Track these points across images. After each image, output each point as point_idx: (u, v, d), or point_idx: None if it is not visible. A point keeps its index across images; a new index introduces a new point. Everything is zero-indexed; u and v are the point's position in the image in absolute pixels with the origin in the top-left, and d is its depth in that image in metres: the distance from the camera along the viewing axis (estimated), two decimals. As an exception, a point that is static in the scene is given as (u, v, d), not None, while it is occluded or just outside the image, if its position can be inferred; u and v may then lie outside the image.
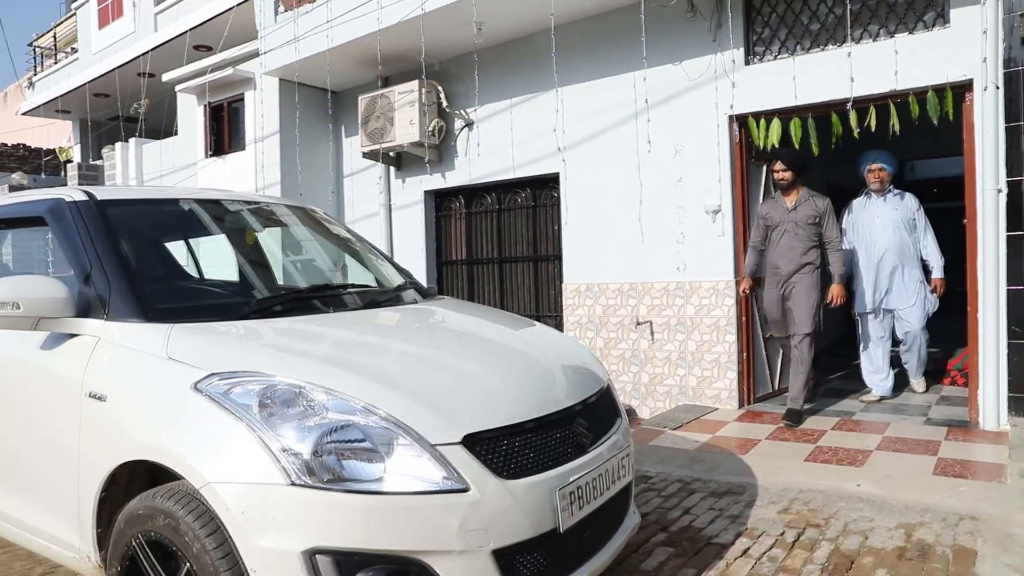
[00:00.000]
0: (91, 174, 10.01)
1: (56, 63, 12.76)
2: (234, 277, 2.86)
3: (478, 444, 1.93)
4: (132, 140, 9.39)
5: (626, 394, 5.83)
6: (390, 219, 7.64)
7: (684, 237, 5.48)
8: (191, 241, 3.08)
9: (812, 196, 4.79)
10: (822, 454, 4.10)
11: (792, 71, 4.82)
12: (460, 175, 6.98)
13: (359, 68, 7.04)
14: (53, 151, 14.91)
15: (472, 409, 2.01)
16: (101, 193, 2.74)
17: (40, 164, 14.46)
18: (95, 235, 2.49)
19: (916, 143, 8.42)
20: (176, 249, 2.98)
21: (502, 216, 6.99)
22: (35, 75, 13.28)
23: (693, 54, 5.32)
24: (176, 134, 8.84)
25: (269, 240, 3.20)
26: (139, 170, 9.17)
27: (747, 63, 5.14)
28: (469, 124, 6.88)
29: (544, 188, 6.59)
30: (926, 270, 5.27)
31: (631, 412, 5.70)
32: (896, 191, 5.24)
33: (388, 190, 7.63)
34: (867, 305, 5.25)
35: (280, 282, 3.06)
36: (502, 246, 7.01)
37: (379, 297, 2.83)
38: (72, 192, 2.70)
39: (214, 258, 2.98)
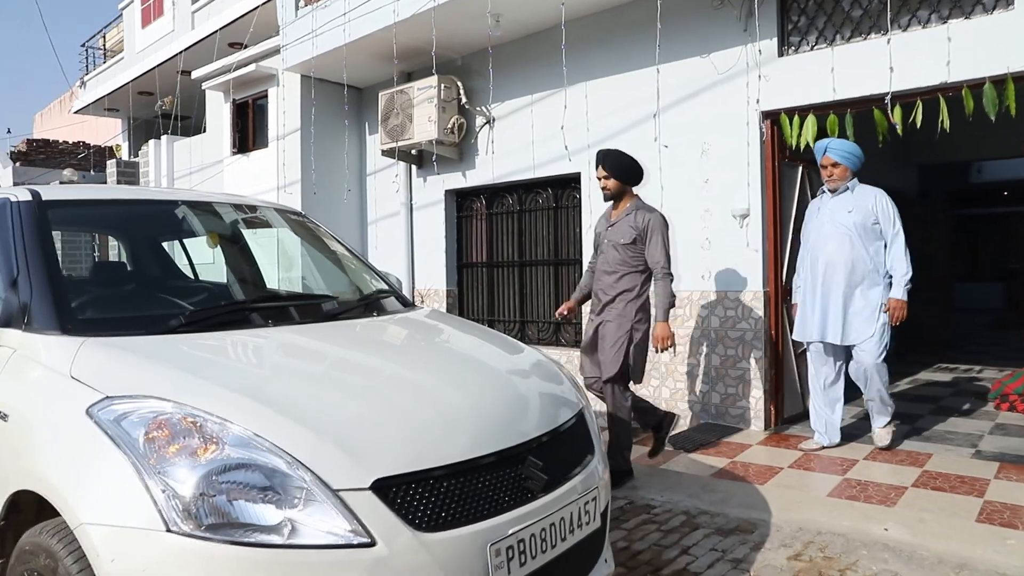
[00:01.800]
0: (129, 171, 10.13)
1: (105, 63, 13.04)
2: (182, 285, 2.65)
3: (393, 490, 1.65)
4: (164, 138, 9.45)
5: (645, 409, 5.46)
6: (411, 219, 7.42)
7: (710, 243, 5.09)
8: (145, 245, 2.89)
9: (639, 209, 3.86)
10: (849, 488, 3.67)
11: (830, 63, 4.38)
12: (481, 174, 6.71)
13: (380, 64, 6.85)
14: (107, 148, 15.29)
15: (391, 447, 1.73)
16: (48, 194, 2.57)
17: (92, 161, 14.82)
18: (27, 238, 2.31)
19: (981, 143, 7.78)
20: (124, 253, 2.78)
21: (523, 217, 6.69)
22: (87, 75, 13.61)
23: (721, 46, 4.92)
24: (205, 131, 8.83)
25: (233, 245, 2.97)
26: (170, 167, 9.21)
27: (780, 55, 4.71)
28: (490, 121, 6.61)
29: (566, 189, 6.26)
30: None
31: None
32: (857, 185, 4.11)
33: (409, 189, 7.42)
34: (806, 333, 4.20)
35: (236, 290, 2.84)
36: (523, 249, 6.71)
37: (334, 309, 2.57)
38: (19, 192, 2.54)
39: (169, 264, 2.77)
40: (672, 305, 3.91)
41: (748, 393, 4.92)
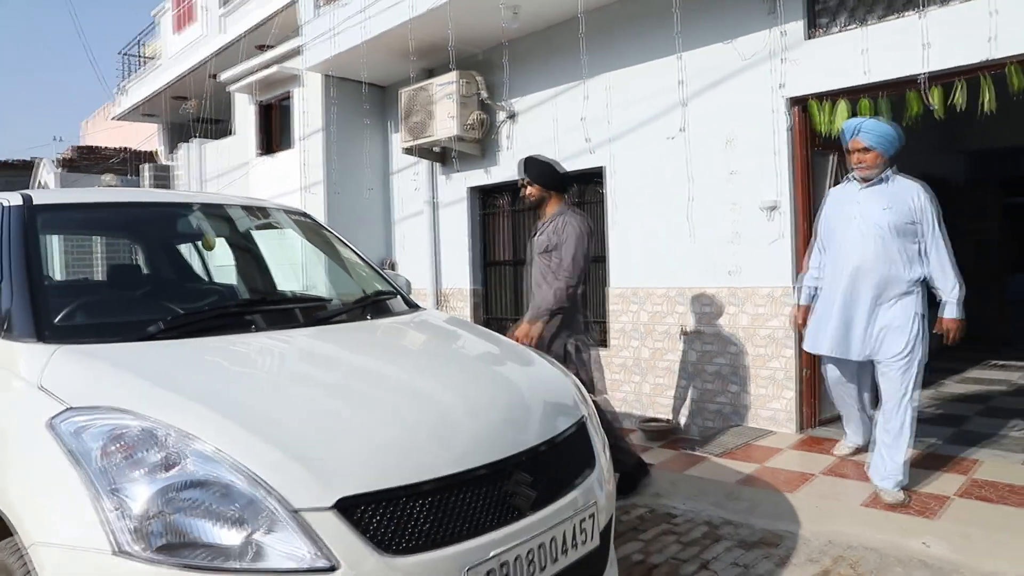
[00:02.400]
0: (162, 174, 10.28)
1: (142, 69, 13.28)
2: (173, 288, 2.57)
3: (359, 510, 1.52)
4: (194, 141, 9.55)
5: (673, 411, 5.27)
6: (435, 217, 7.33)
7: (738, 237, 4.86)
8: (140, 249, 2.83)
9: (561, 215, 3.61)
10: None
11: (862, 44, 4.13)
12: (504, 170, 6.58)
13: (401, 61, 6.75)
14: (146, 152, 15.60)
15: (360, 463, 1.60)
16: (41, 198, 2.52)
17: (131, 165, 15.14)
18: (13, 243, 2.26)
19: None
20: (118, 257, 2.71)
21: (548, 214, 6.52)
22: (125, 82, 13.89)
23: (746, 30, 4.68)
24: (233, 134, 8.89)
25: (232, 247, 2.89)
26: (201, 170, 9.31)
27: (809, 37, 4.46)
28: (512, 116, 6.47)
29: (590, 184, 6.08)
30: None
31: (675, 430, 5.13)
32: (894, 177, 3.42)
33: (433, 187, 7.33)
34: (820, 345, 3.58)
35: (228, 293, 2.75)
36: (548, 246, 6.54)
37: (327, 312, 2.46)
38: (11, 196, 2.51)
39: (161, 267, 2.70)
40: (551, 312, 3.55)
41: (779, 394, 4.68)
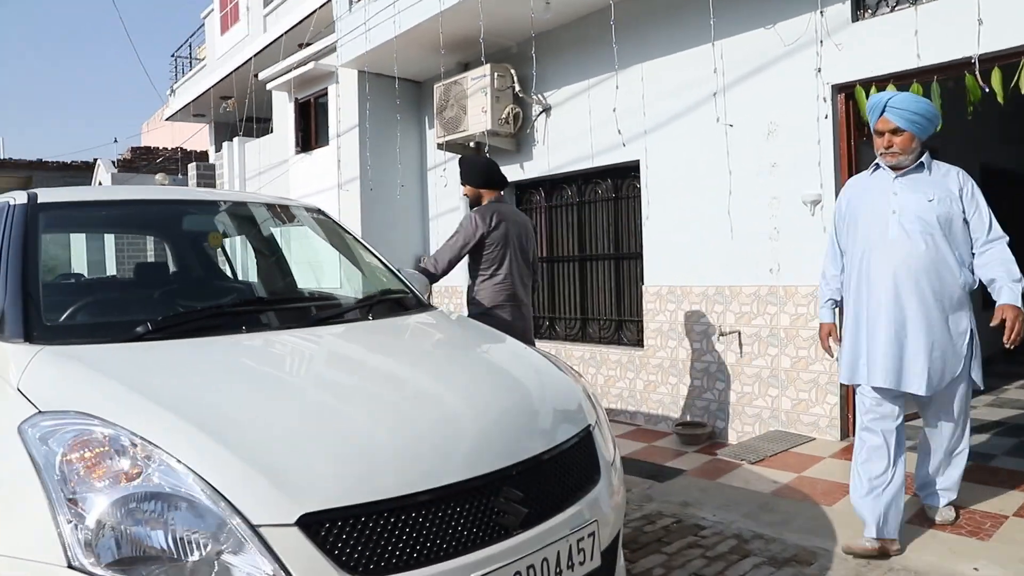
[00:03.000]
0: (208, 173, 10.46)
1: (191, 70, 13.59)
2: (174, 286, 2.52)
3: (325, 526, 1.42)
4: (236, 140, 9.68)
5: (710, 414, 5.05)
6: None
7: (779, 233, 4.61)
8: (147, 246, 2.79)
9: (477, 210, 3.90)
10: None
11: (913, 24, 3.84)
12: (538, 165, 6.43)
13: (436, 55, 6.67)
14: (199, 152, 15.99)
15: (330, 475, 1.50)
16: (46, 196, 2.51)
17: (183, 165, 15.53)
18: (12, 242, 2.24)
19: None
20: (121, 254, 2.68)
21: (583, 209, 6.36)
22: (176, 83, 14.24)
23: (788, 14, 4.42)
24: (271, 132, 8.97)
25: (239, 244, 2.84)
26: (242, 168, 9.42)
27: (855, 19, 4.18)
28: (546, 109, 6.32)
29: (626, 178, 5.89)
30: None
31: (711, 434, 4.91)
32: (931, 164, 2.85)
33: (468, 183, 7.21)
34: (857, 375, 2.88)
35: (231, 292, 2.69)
36: (583, 242, 6.39)
37: (326, 312, 2.36)
38: (19, 195, 2.51)
39: (169, 265, 2.65)
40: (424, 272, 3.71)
41: (821, 399, 4.42)
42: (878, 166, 2.91)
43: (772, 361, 4.68)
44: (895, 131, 2.78)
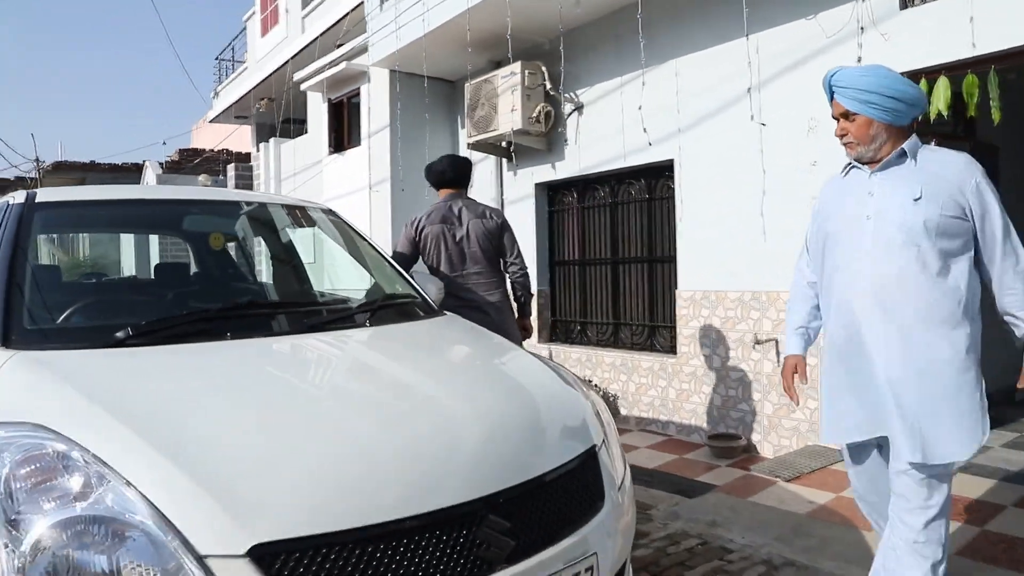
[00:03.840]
0: (246, 174, 10.56)
1: (233, 73, 13.78)
2: (163, 289, 2.44)
3: (281, 558, 1.28)
4: (271, 141, 9.73)
5: (745, 426, 4.80)
6: (501, 215, 7.08)
7: (819, 235, 4.34)
8: (140, 247, 2.72)
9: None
10: (986, 544, 2.90)
11: (968, 10, 3.55)
12: (571, 165, 6.25)
13: (467, 54, 6.55)
14: (247, 154, 16.24)
15: (289, 501, 1.36)
16: (45, 196, 2.45)
17: (224, 167, 15.79)
18: (3, 241, 2.18)
19: None
20: (118, 254, 2.61)
21: (616, 211, 6.15)
22: (219, 86, 14.47)
23: (831, 3, 4.16)
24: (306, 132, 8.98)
25: (241, 245, 2.74)
26: (277, 169, 9.46)
27: (903, 6, 3.90)
28: (579, 108, 6.14)
29: (659, 178, 5.67)
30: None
31: (746, 447, 4.67)
32: (916, 150, 2.08)
33: (500, 184, 7.09)
34: (845, 431, 2.15)
35: (223, 294, 2.59)
36: (616, 245, 6.18)
37: (314, 319, 2.23)
38: (18, 195, 2.46)
39: (167, 267, 2.57)
40: None
41: (866, 413, 4.14)
42: (852, 164, 2.21)
43: (811, 371, 4.39)
44: (845, 115, 2.14)
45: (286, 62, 10.50)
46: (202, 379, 1.76)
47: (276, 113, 9.96)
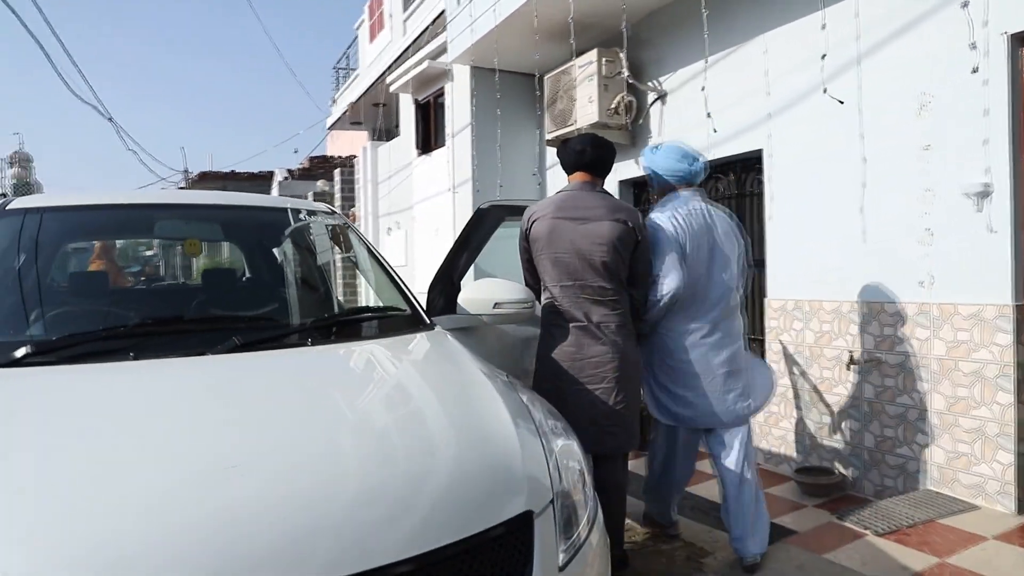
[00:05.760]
0: (349, 179, 10.76)
1: (347, 80, 14.21)
2: (111, 301, 2.27)
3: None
4: (368, 144, 9.82)
5: (841, 459, 4.08)
6: (584, 215, 6.64)
7: (932, 235, 3.59)
8: (115, 253, 2.58)
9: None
10: None
11: None
12: (654, 160, 5.70)
13: (546, 44, 6.18)
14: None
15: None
16: (18, 203, 2.38)
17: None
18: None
19: None
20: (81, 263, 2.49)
21: (703, 209, 5.53)
22: (336, 93, 14.99)
23: (945, -51, 3.41)
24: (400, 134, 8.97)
25: (226, 253, 2.54)
26: (373, 171, 9.53)
27: (1039, -54, 3.11)
28: (661, 96, 5.59)
29: (750, 171, 5.01)
30: None
31: (840, 484, 3.96)
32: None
33: (583, 182, 6.64)
34: None
35: (172, 307, 2.38)
36: (704, 247, 5.56)
37: (249, 336, 1.95)
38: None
39: (127, 275, 2.42)
40: None
41: (990, 455, 3.35)
42: None
43: (921, 399, 3.65)
44: None
45: (389, 66, 10.60)
46: (74, 408, 1.52)
47: (383, 118, 10.07)
